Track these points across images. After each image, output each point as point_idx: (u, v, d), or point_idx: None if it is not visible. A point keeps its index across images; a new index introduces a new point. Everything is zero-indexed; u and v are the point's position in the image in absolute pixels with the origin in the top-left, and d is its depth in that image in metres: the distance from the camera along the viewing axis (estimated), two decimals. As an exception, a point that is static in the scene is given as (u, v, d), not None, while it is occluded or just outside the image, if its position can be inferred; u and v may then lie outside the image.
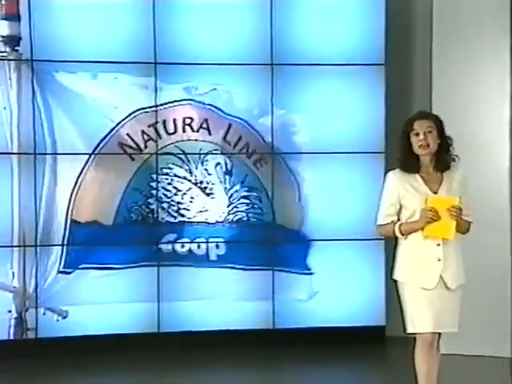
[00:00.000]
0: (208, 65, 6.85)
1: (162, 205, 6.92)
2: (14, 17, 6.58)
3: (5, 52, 6.58)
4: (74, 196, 6.75)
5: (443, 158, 4.50)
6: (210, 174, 6.97)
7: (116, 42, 6.73)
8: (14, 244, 6.66)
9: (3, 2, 6.56)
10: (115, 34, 6.73)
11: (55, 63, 6.65)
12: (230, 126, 6.96)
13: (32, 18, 6.58)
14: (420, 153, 4.47)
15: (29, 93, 6.64)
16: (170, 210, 6.93)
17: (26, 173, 6.67)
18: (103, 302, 6.80)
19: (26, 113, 6.64)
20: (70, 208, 6.75)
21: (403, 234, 4.49)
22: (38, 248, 6.70)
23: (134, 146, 6.86)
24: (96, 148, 6.77)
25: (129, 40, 6.75)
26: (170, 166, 6.92)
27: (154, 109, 6.85)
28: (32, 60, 6.61)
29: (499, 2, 6.49)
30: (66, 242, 6.74)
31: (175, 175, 6.94)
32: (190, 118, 6.93)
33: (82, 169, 6.76)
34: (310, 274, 7.06)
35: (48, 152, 6.70)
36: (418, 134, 4.46)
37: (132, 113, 6.83)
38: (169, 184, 6.93)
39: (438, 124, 4.51)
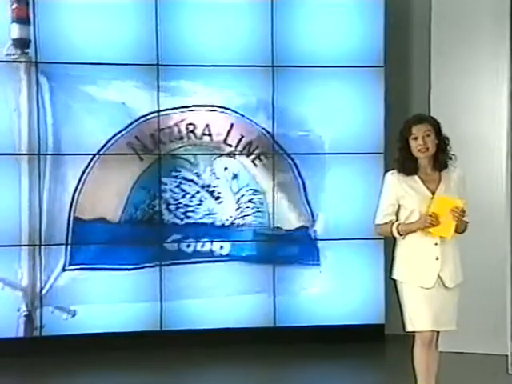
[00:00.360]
0: (209, 67, 6.88)
1: (170, 206, 6.97)
2: (24, 20, 6.63)
3: (15, 55, 6.64)
4: (81, 194, 6.80)
5: (441, 158, 4.56)
6: (218, 178, 7.02)
7: (119, 44, 6.77)
8: (23, 243, 6.72)
9: (14, 6, 6.62)
10: (119, 37, 6.76)
11: (63, 65, 6.70)
12: (231, 126, 7.00)
13: (38, 21, 6.63)
14: (419, 156, 4.53)
15: (38, 94, 6.70)
16: (176, 212, 6.98)
17: (34, 173, 6.72)
18: (107, 301, 6.84)
19: (36, 114, 6.70)
20: (77, 207, 6.79)
21: (401, 234, 4.55)
22: (47, 247, 6.75)
23: (143, 146, 6.89)
24: (103, 147, 6.81)
25: (132, 42, 6.79)
26: (178, 168, 6.98)
27: (156, 114, 6.89)
28: (37, 62, 6.67)
29: (498, 5, 6.47)
30: (73, 241, 6.79)
31: (184, 178, 7.00)
32: (193, 125, 6.96)
33: (89, 168, 6.80)
34: (313, 270, 7.13)
35: (55, 153, 6.74)
36: (416, 139, 4.51)
37: (140, 117, 6.88)
38: (177, 187, 6.99)
39: (436, 126, 4.56)
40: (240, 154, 7.02)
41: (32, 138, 6.71)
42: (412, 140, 4.52)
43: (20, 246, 6.72)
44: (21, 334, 6.74)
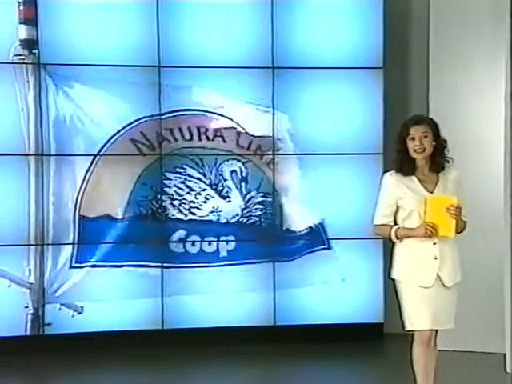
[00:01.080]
0: (210, 68, 6.93)
1: (173, 202, 7.00)
2: (31, 21, 6.66)
3: (23, 55, 6.68)
4: (86, 192, 6.84)
5: (438, 159, 4.57)
6: (225, 180, 7.06)
7: (120, 45, 6.81)
8: (31, 242, 6.75)
9: (21, 7, 6.66)
10: (121, 39, 6.81)
11: (67, 67, 6.74)
12: (239, 131, 7.06)
13: (42, 23, 6.67)
14: (416, 157, 4.55)
15: (43, 95, 6.74)
16: (180, 208, 7.02)
17: (40, 173, 6.76)
18: (110, 299, 6.88)
19: (42, 115, 6.74)
20: (82, 205, 6.83)
21: (398, 239, 4.58)
22: (53, 245, 6.79)
23: (147, 143, 6.94)
24: (106, 143, 6.85)
25: (133, 43, 6.83)
26: (184, 166, 7.01)
27: (159, 117, 6.94)
28: (39, 63, 6.70)
29: (497, 6, 6.46)
30: (79, 238, 6.83)
31: (188, 175, 7.04)
32: (203, 128, 7.01)
33: (94, 166, 6.84)
34: (313, 269, 7.16)
35: (61, 153, 6.79)
36: (413, 139, 4.53)
37: (143, 116, 6.93)
38: (181, 183, 7.03)
39: (433, 127, 4.57)
40: (243, 155, 7.06)
41: (39, 138, 6.75)
42: (409, 140, 4.54)
43: (28, 245, 6.75)
44: (28, 331, 6.77)
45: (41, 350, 6.64)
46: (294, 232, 7.16)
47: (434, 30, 6.78)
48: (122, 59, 6.82)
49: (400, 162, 4.58)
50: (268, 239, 7.11)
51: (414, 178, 4.58)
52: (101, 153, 6.86)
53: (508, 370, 6.11)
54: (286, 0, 7.01)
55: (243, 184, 7.09)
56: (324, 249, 7.15)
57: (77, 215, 6.84)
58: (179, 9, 6.91)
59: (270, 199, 7.11)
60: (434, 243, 4.52)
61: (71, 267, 6.85)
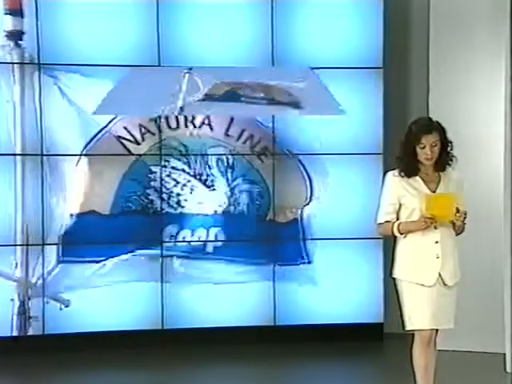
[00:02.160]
0: (210, 68, 6.94)
1: (162, 196, 6.99)
2: (17, 12, 6.64)
3: (8, 46, 6.65)
4: (74, 189, 6.85)
5: (443, 159, 4.59)
6: (211, 168, 7.06)
7: (120, 45, 6.83)
8: (18, 242, 6.76)
9: (6, -2, 6.64)
10: (120, 37, 6.82)
11: (64, 67, 6.74)
12: (231, 120, 7.04)
13: (39, 20, 6.67)
14: (425, 163, 4.56)
15: (31, 90, 6.73)
16: (169, 201, 7.01)
17: (28, 172, 6.76)
18: (106, 295, 6.89)
19: (29, 110, 6.73)
20: (71, 202, 6.84)
21: (401, 233, 4.58)
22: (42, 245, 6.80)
23: (131, 138, 6.93)
24: (92, 140, 6.84)
25: (133, 43, 6.85)
26: (168, 158, 6.99)
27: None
28: (39, 64, 6.71)
29: (497, 6, 6.49)
30: (68, 235, 6.83)
31: (173, 167, 7.02)
32: (192, 116, 7.03)
33: (81, 163, 6.84)
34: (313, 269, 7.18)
35: (48, 153, 6.79)
36: (424, 147, 4.53)
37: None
38: (167, 176, 7.02)
39: (442, 133, 4.57)
40: (242, 154, 7.07)
41: (27, 138, 6.73)
42: (419, 148, 4.54)
43: (15, 245, 6.76)
44: (15, 325, 6.76)
45: (39, 349, 6.65)
46: (292, 231, 7.15)
47: (434, 30, 6.80)
48: (121, 59, 6.83)
49: (406, 165, 4.58)
50: (263, 238, 7.11)
51: (417, 177, 4.59)
52: (87, 151, 6.85)
53: (508, 370, 6.13)
54: (286, 0, 7.02)
55: (229, 174, 7.08)
56: (304, 262, 7.16)
57: (66, 212, 6.83)
58: (179, 9, 6.93)
59: (267, 194, 7.11)
60: (436, 242, 4.53)
61: (59, 262, 6.83)
